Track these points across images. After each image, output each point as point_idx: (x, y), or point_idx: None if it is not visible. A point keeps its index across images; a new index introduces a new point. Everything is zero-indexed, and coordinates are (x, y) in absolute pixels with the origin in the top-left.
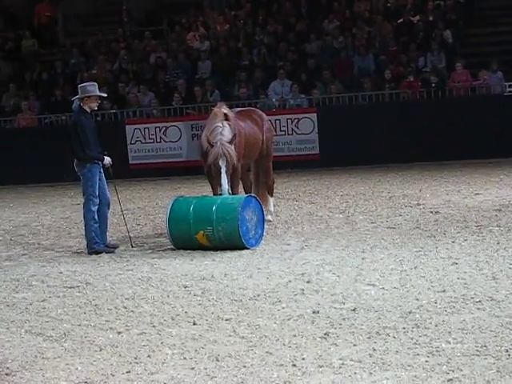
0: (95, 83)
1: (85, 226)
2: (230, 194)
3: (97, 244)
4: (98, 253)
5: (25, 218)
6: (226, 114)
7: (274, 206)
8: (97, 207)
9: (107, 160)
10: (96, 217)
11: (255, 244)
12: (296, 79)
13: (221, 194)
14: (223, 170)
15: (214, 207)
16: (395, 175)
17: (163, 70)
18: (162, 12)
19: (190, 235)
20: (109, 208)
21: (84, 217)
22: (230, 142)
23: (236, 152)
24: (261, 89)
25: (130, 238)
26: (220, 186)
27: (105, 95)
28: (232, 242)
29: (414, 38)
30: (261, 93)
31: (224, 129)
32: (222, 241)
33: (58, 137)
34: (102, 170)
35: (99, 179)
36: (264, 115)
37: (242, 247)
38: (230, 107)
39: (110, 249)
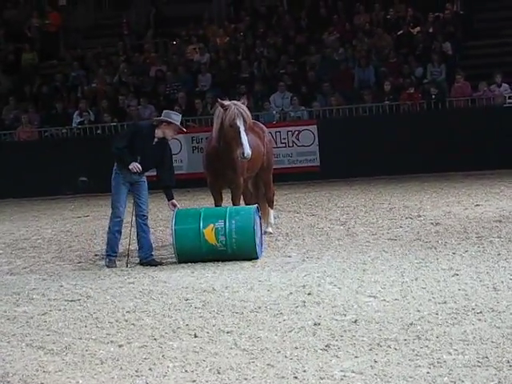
0: (180, 115)
1: None
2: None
3: (106, 252)
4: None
5: (25, 231)
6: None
7: (275, 218)
8: (119, 219)
9: (132, 164)
10: (114, 227)
11: (258, 254)
12: (296, 91)
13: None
14: (242, 129)
15: (226, 209)
16: (395, 187)
17: (163, 83)
18: (162, 25)
19: (197, 231)
20: (143, 220)
21: None
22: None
23: (240, 165)
24: (261, 101)
25: (127, 257)
26: (241, 145)
27: (184, 130)
28: (243, 236)
29: (413, 49)
30: (261, 105)
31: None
32: (231, 236)
33: (58, 150)
34: (142, 183)
35: (135, 190)
36: (265, 128)
37: (250, 248)
38: None
39: (113, 263)
